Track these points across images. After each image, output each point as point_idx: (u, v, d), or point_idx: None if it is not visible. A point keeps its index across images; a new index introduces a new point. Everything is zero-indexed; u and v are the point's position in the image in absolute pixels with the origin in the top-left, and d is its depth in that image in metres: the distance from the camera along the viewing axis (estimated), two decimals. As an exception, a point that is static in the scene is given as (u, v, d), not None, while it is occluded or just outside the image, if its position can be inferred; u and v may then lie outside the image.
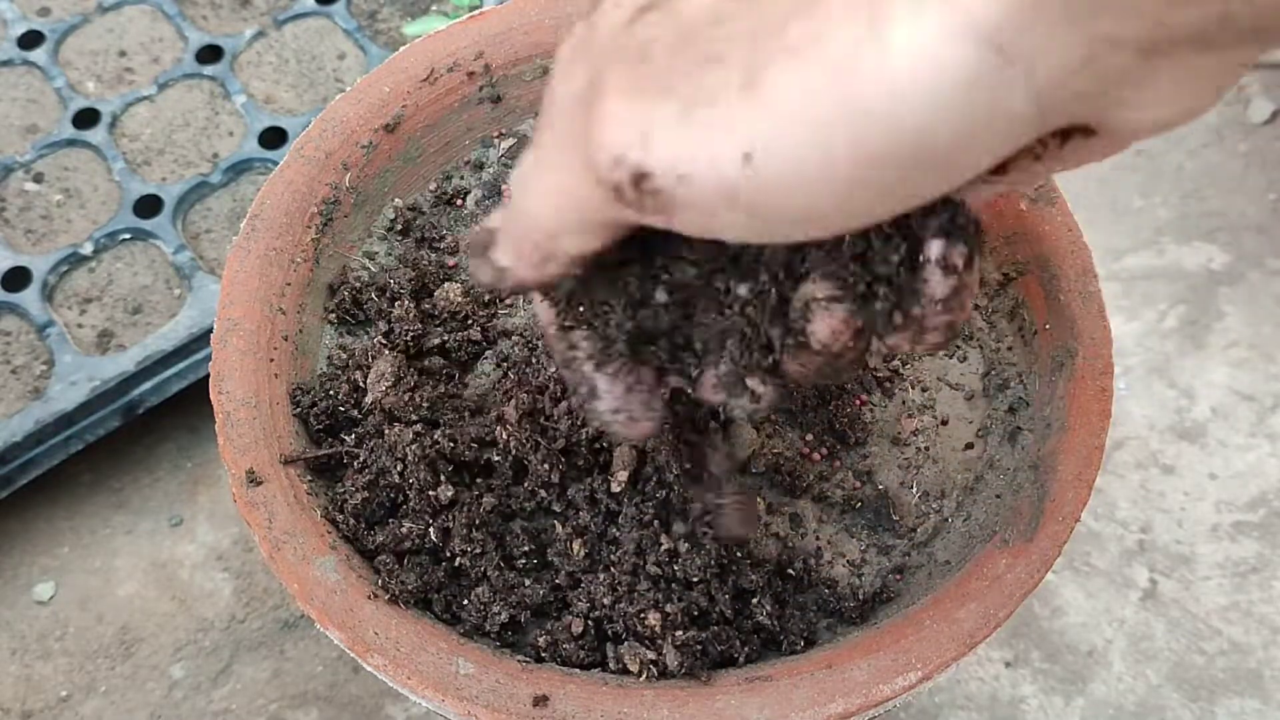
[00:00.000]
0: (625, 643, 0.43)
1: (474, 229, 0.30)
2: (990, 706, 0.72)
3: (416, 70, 0.56)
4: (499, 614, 0.44)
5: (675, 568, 0.44)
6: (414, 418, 0.48)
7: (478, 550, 0.45)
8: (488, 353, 0.52)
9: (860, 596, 0.46)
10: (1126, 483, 0.80)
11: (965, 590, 0.43)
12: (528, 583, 0.45)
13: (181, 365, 0.75)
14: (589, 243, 0.30)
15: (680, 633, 0.43)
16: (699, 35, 0.24)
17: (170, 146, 0.84)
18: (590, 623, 0.44)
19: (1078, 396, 0.47)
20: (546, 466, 0.46)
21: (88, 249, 0.79)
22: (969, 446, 0.50)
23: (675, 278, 0.33)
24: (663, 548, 0.45)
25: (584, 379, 0.35)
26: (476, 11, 0.58)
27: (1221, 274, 0.88)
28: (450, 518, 0.46)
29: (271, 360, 0.49)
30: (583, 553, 0.46)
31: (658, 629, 0.43)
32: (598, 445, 0.47)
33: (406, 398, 0.48)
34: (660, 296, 0.33)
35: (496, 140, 0.58)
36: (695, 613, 0.44)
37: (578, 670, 0.43)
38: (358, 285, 0.53)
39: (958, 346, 0.53)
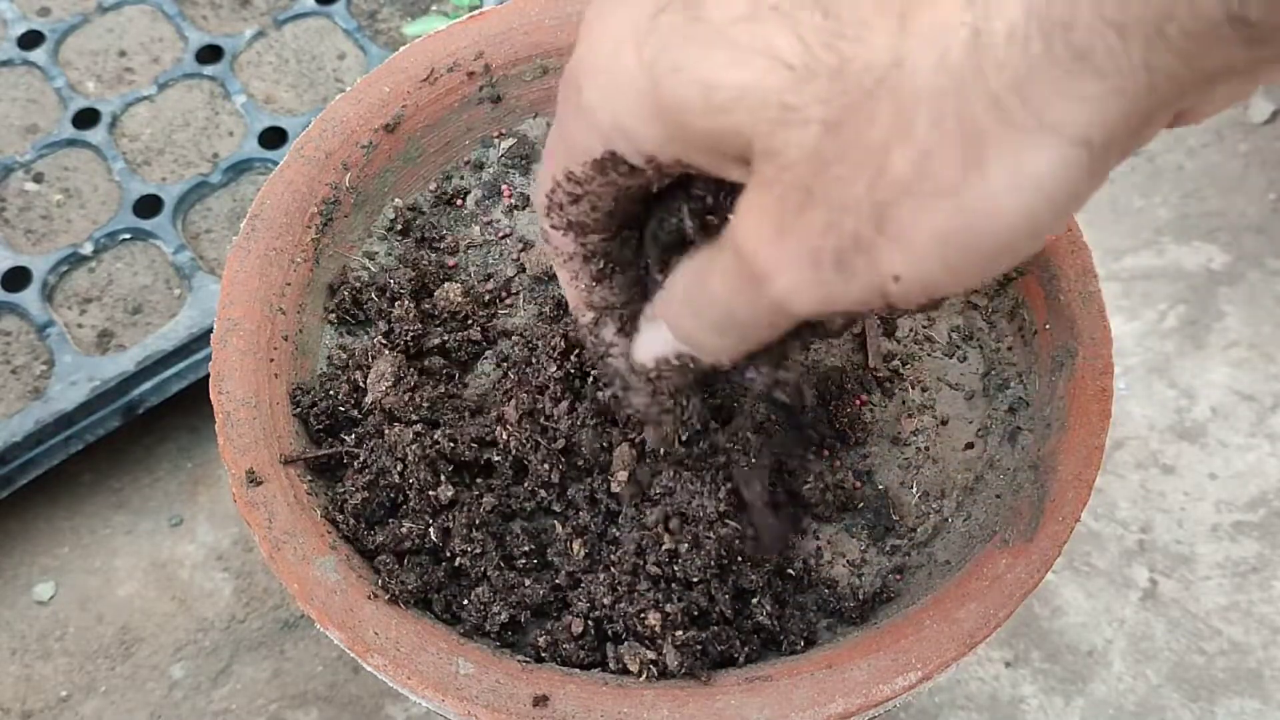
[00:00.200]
0: (625, 643, 0.43)
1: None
2: (990, 706, 0.72)
3: (416, 70, 0.56)
4: (499, 614, 0.44)
5: (675, 568, 0.44)
6: (414, 418, 0.48)
7: (478, 550, 0.45)
8: (488, 353, 0.52)
9: (860, 596, 0.46)
10: (1126, 483, 0.80)
11: (965, 590, 0.43)
12: (528, 583, 0.45)
13: (181, 365, 0.75)
14: None
15: (680, 633, 0.43)
16: (825, 176, 0.27)
17: (170, 146, 0.84)
18: (590, 623, 0.44)
19: (1078, 396, 0.47)
20: (546, 466, 0.46)
21: (88, 249, 0.79)
22: (969, 446, 0.50)
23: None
24: (663, 548, 0.45)
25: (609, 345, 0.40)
26: (476, 11, 0.58)
27: (1221, 274, 0.88)
28: (450, 518, 0.46)
29: (271, 360, 0.49)
30: (583, 553, 0.46)
31: (658, 629, 0.43)
32: (598, 445, 0.47)
33: (406, 398, 0.48)
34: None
35: (496, 140, 0.58)
36: (695, 613, 0.44)
37: (578, 670, 0.43)
38: (358, 285, 0.53)
39: (958, 346, 0.53)
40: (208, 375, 0.47)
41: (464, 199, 0.57)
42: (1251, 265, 0.88)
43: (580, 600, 0.44)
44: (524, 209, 0.57)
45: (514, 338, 0.52)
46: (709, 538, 0.44)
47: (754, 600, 0.45)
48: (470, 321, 0.52)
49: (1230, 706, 0.72)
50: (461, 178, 0.57)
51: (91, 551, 0.78)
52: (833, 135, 0.27)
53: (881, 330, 0.53)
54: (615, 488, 0.46)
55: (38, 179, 0.83)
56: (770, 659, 0.44)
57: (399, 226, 0.55)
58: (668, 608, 0.44)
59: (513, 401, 0.47)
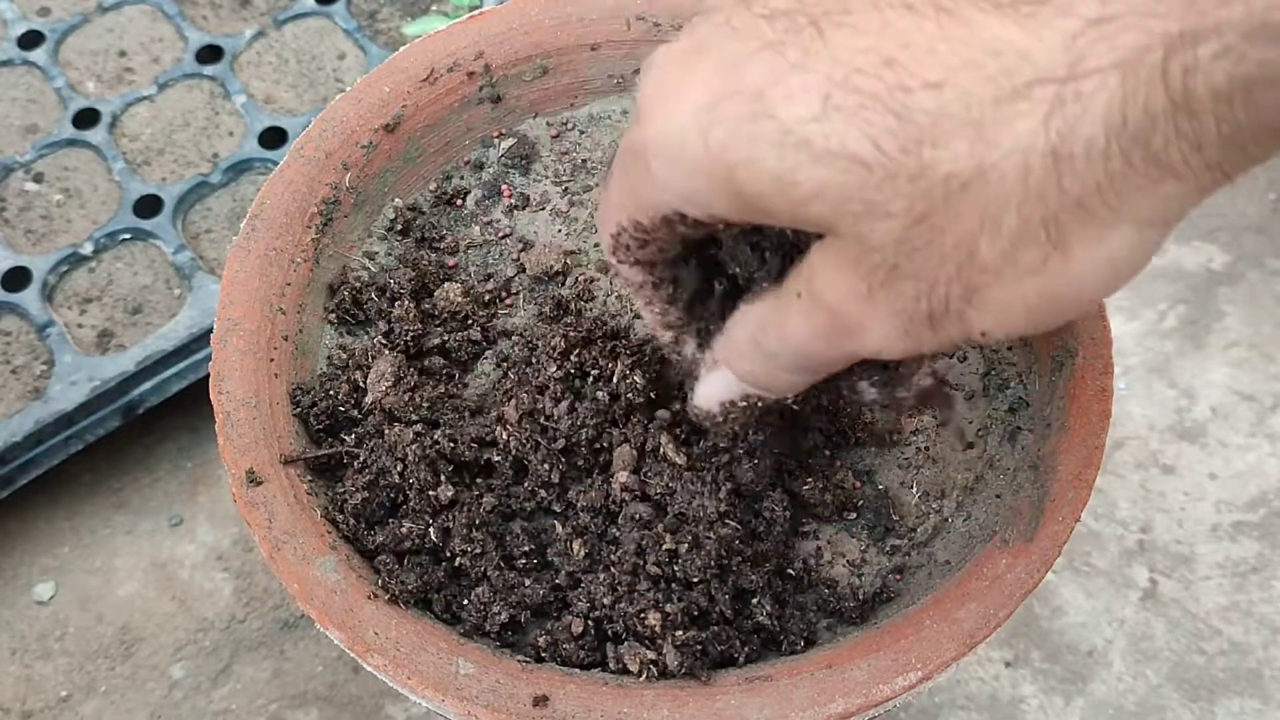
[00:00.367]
0: (625, 643, 0.43)
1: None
2: (990, 706, 0.72)
3: (416, 70, 0.56)
4: (499, 614, 0.44)
5: (675, 568, 0.44)
6: (414, 418, 0.48)
7: (478, 550, 0.45)
8: (488, 353, 0.52)
9: (860, 596, 0.46)
10: (1126, 483, 0.80)
11: (965, 590, 0.43)
12: (528, 583, 0.45)
13: (181, 365, 0.75)
14: None
15: (680, 633, 0.43)
16: (913, 259, 0.30)
17: (170, 146, 0.84)
18: (590, 623, 0.44)
19: (1078, 396, 0.47)
20: (546, 466, 0.46)
21: (88, 249, 0.79)
22: (969, 446, 0.50)
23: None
24: (663, 547, 0.45)
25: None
26: (476, 11, 0.58)
27: (1221, 274, 0.88)
28: (450, 518, 0.46)
29: (271, 360, 0.49)
30: (583, 553, 0.46)
31: (658, 629, 0.43)
32: (598, 445, 0.47)
33: (406, 398, 0.48)
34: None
35: (496, 140, 0.58)
36: (695, 613, 0.44)
37: (578, 670, 0.43)
38: (358, 285, 0.53)
39: (958, 346, 0.53)
40: (208, 375, 0.47)
41: (464, 199, 0.57)
42: (1251, 265, 0.88)
43: (580, 600, 0.44)
44: (524, 209, 0.57)
45: (514, 338, 0.52)
46: (709, 538, 0.44)
47: (754, 600, 0.45)
48: (470, 321, 0.52)
49: (1230, 706, 0.72)
50: (461, 178, 0.57)
51: (91, 551, 0.78)
52: (919, 226, 0.29)
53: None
54: (615, 488, 0.46)
55: (38, 179, 0.83)
56: (770, 659, 0.44)
57: (399, 226, 0.55)
58: (668, 608, 0.44)
59: (513, 401, 0.47)
